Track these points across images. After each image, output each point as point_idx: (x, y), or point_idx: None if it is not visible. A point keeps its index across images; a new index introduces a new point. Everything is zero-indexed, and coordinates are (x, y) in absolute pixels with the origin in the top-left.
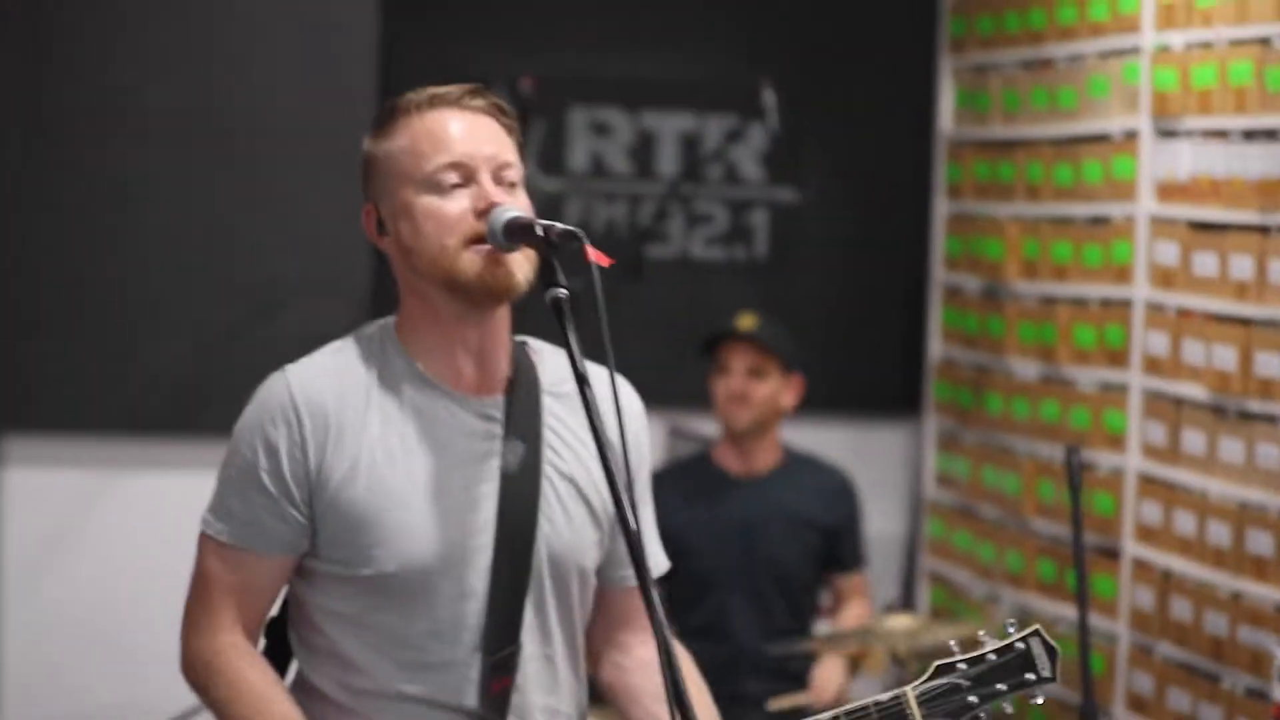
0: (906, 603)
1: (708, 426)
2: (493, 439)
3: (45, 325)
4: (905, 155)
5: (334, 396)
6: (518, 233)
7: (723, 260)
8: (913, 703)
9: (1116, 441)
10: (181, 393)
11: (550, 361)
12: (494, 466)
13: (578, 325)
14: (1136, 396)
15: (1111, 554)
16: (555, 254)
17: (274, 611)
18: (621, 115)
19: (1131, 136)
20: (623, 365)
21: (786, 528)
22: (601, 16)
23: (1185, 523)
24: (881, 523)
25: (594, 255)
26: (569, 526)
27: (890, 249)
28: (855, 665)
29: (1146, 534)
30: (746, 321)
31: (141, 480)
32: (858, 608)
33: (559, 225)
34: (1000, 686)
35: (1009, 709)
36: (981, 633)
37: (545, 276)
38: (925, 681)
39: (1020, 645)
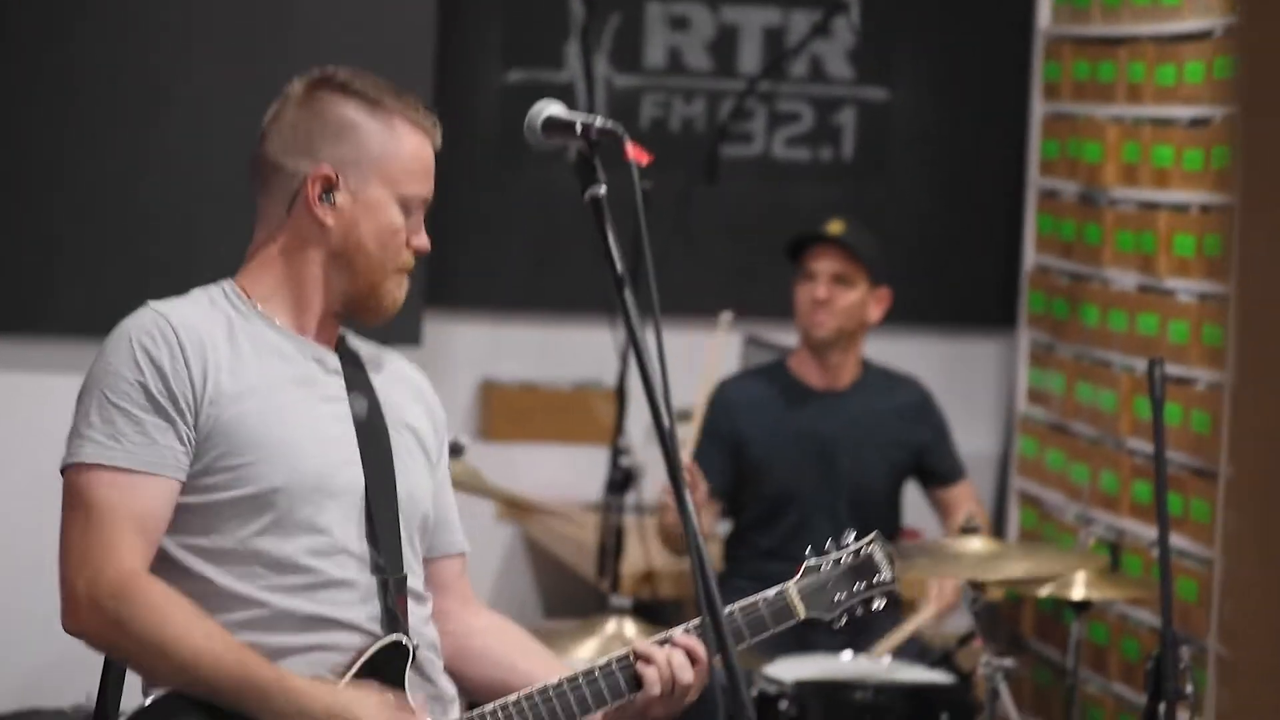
0: (1000, 520)
1: (785, 337)
2: (339, 388)
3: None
4: (1001, 53)
5: (206, 327)
6: (556, 130)
7: (806, 161)
8: (794, 598)
9: (1216, 355)
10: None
11: (355, 341)
12: (346, 411)
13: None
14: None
15: (1209, 475)
16: (595, 151)
17: None
18: (701, 8)
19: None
20: (696, 270)
21: (869, 445)
22: None
23: None
24: (972, 441)
25: (633, 152)
26: (418, 474)
27: (984, 152)
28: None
29: None
30: (835, 225)
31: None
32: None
33: (598, 122)
34: (857, 585)
35: (878, 607)
36: (829, 541)
37: (584, 174)
38: (799, 579)
39: (865, 551)
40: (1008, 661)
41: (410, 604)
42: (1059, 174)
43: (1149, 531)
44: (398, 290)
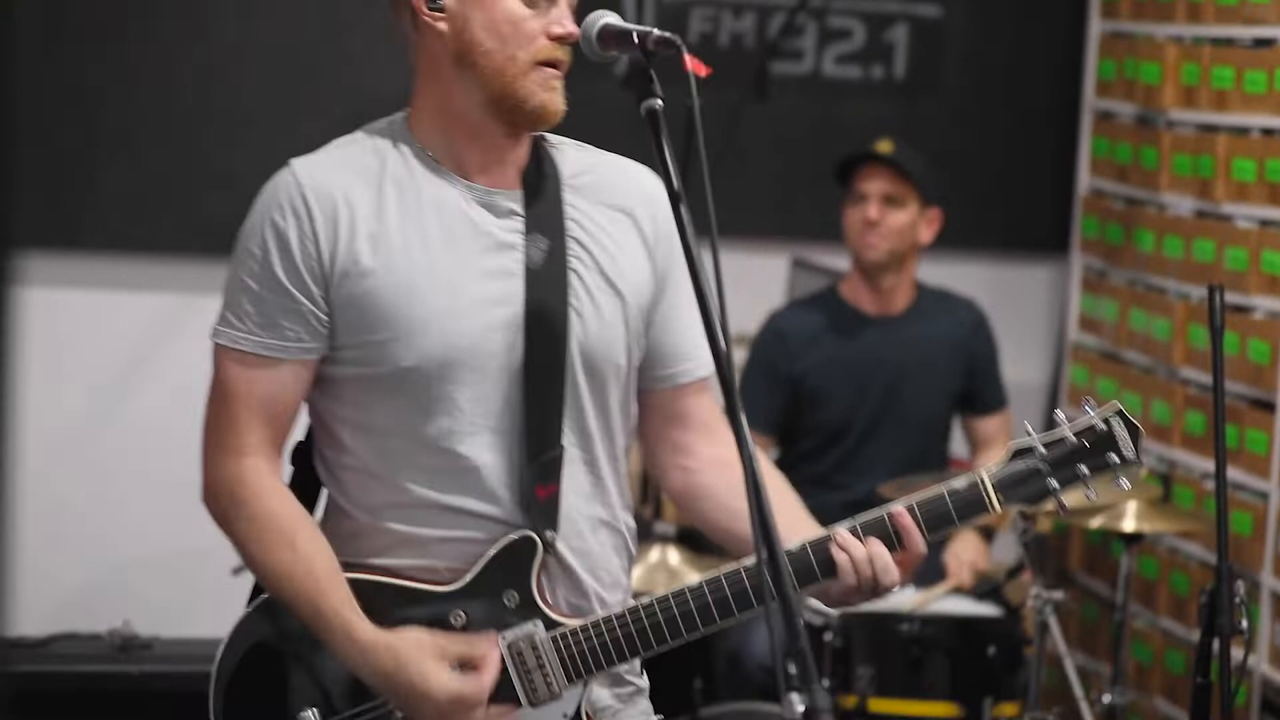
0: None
1: (834, 259)
2: (514, 233)
3: (117, 141)
4: None
5: (343, 186)
6: (613, 40)
7: (857, 79)
8: (989, 488)
9: (1275, 284)
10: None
11: (570, 154)
12: (517, 261)
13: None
14: None
15: (1266, 406)
16: (651, 62)
17: (300, 437)
18: None
19: None
20: (743, 189)
21: (926, 371)
22: None
23: None
24: (1022, 369)
25: (692, 64)
26: (600, 321)
27: (1039, 71)
28: (989, 535)
29: None
30: (885, 145)
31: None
32: (999, 451)
33: (655, 32)
34: (1081, 469)
35: (1092, 494)
36: (1058, 413)
37: (640, 86)
38: (1001, 466)
39: (1101, 426)
40: (1058, 594)
41: (569, 480)
42: (1115, 95)
43: (1201, 463)
44: (541, 90)
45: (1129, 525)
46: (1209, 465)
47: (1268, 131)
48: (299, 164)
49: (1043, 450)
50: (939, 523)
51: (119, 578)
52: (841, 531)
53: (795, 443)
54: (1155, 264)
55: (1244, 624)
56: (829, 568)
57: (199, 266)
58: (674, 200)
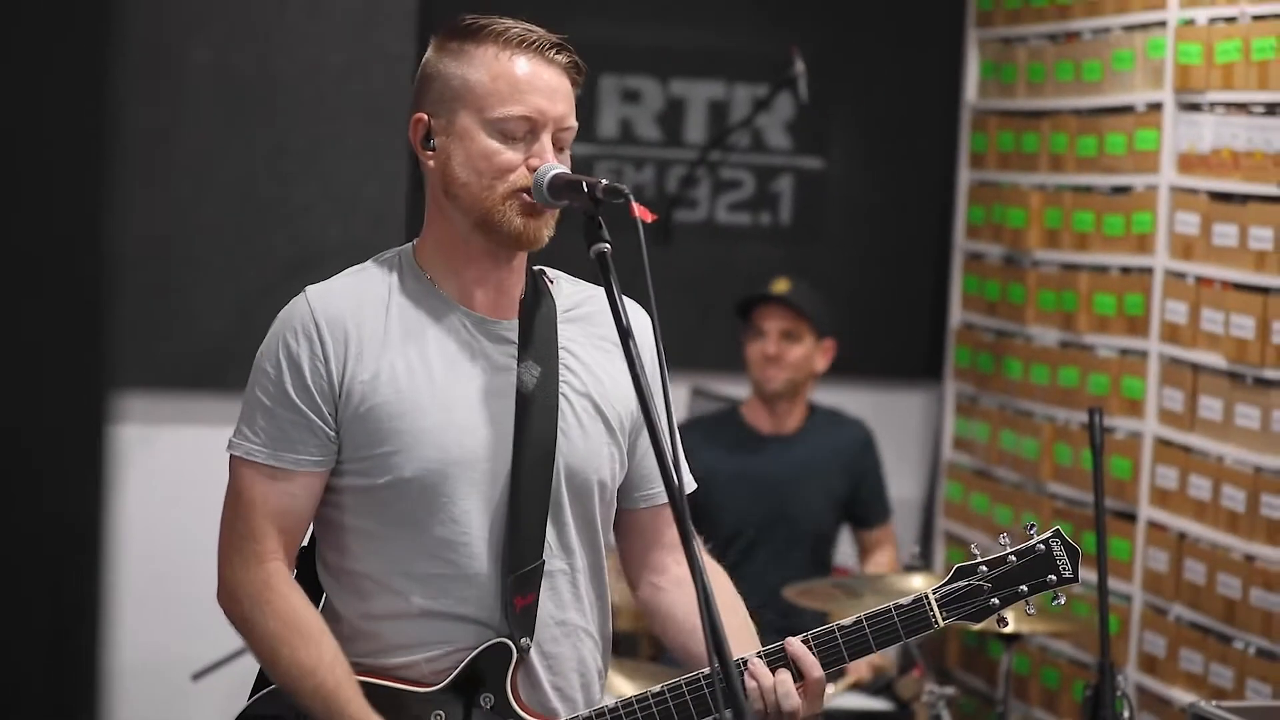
0: (927, 561)
1: (731, 388)
2: (509, 359)
3: None
4: (930, 125)
5: (353, 311)
6: (564, 189)
7: (748, 225)
8: (934, 605)
9: (1134, 407)
10: (222, 351)
11: (566, 288)
12: (510, 385)
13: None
14: (1155, 363)
15: (1128, 517)
16: (599, 209)
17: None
18: (652, 82)
19: (1155, 109)
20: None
21: (813, 484)
22: None
23: (1200, 487)
24: (901, 486)
25: (639, 211)
26: (586, 442)
27: (914, 217)
28: None
29: (1162, 498)
30: (781, 285)
31: (176, 434)
32: (884, 557)
33: (604, 181)
34: (1022, 588)
35: (1031, 610)
36: (1002, 537)
37: (590, 231)
38: (946, 584)
39: (1041, 547)
40: (950, 690)
41: (547, 590)
42: (984, 238)
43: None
44: (518, 216)
45: (1009, 627)
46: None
47: (1125, 270)
48: (313, 291)
49: (985, 569)
50: (886, 637)
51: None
52: (753, 660)
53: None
54: (1023, 390)
55: (1125, 715)
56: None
57: (150, 400)
58: (622, 335)
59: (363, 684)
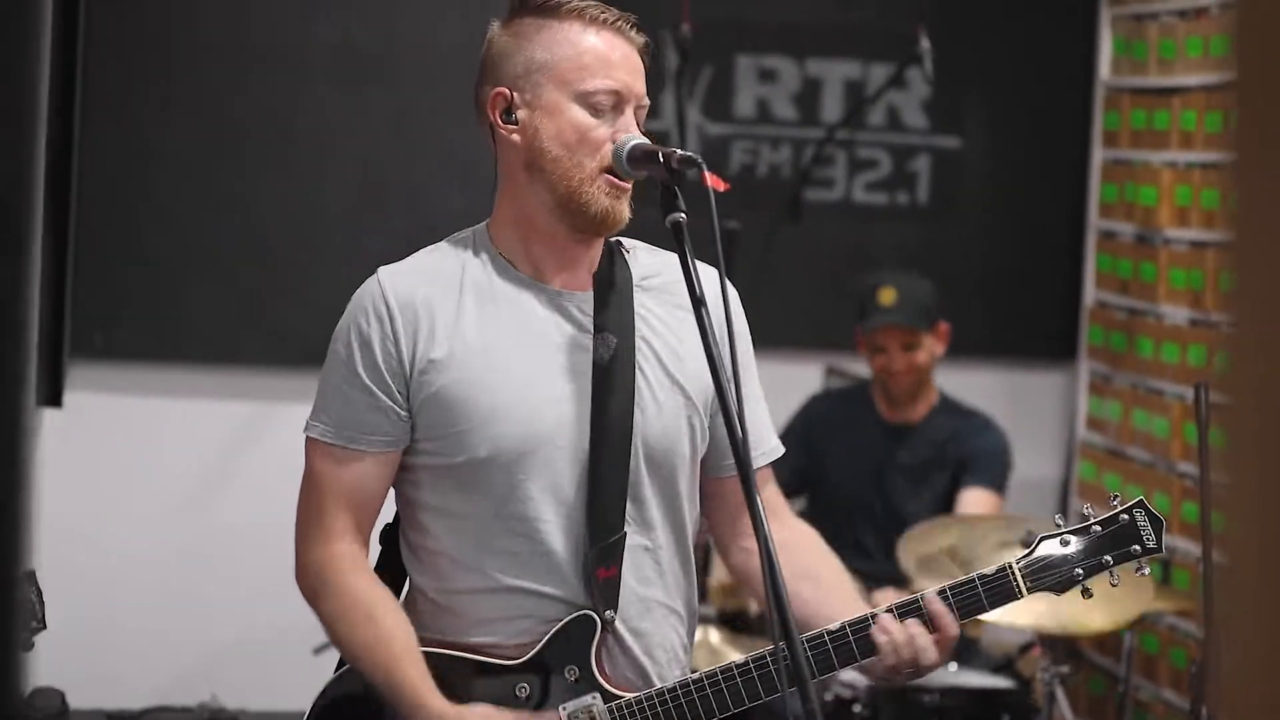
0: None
1: (863, 368)
2: (584, 332)
3: (208, 259)
4: (1064, 103)
5: (425, 291)
6: (641, 159)
7: (885, 205)
8: (1018, 574)
9: None
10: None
11: (642, 258)
12: (586, 359)
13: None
14: None
15: None
16: (676, 180)
17: (388, 519)
18: (788, 62)
19: None
20: (780, 305)
21: (922, 481)
22: None
23: None
24: (1036, 466)
25: (711, 180)
26: (663, 416)
27: (1048, 196)
28: None
29: None
30: (888, 295)
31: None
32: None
33: (679, 151)
34: (1106, 558)
35: (1115, 582)
36: (1086, 507)
37: (666, 201)
38: (1030, 554)
39: (1124, 517)
40: (1064, 668)
41: (630, 564)
42: (1117, 216)
43: (1197, 549)
44: (605, 197)
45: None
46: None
47: None
48: (384, 272)
49: (1070, 540)
50: (969, 608)
51: (209, 657)
52: (882, 615)
53: (809, 514)
54: (1154, 368)
55: None
56: (868, 648)
57: (278, 377)
58: (696, 304)
59: (445, 657)
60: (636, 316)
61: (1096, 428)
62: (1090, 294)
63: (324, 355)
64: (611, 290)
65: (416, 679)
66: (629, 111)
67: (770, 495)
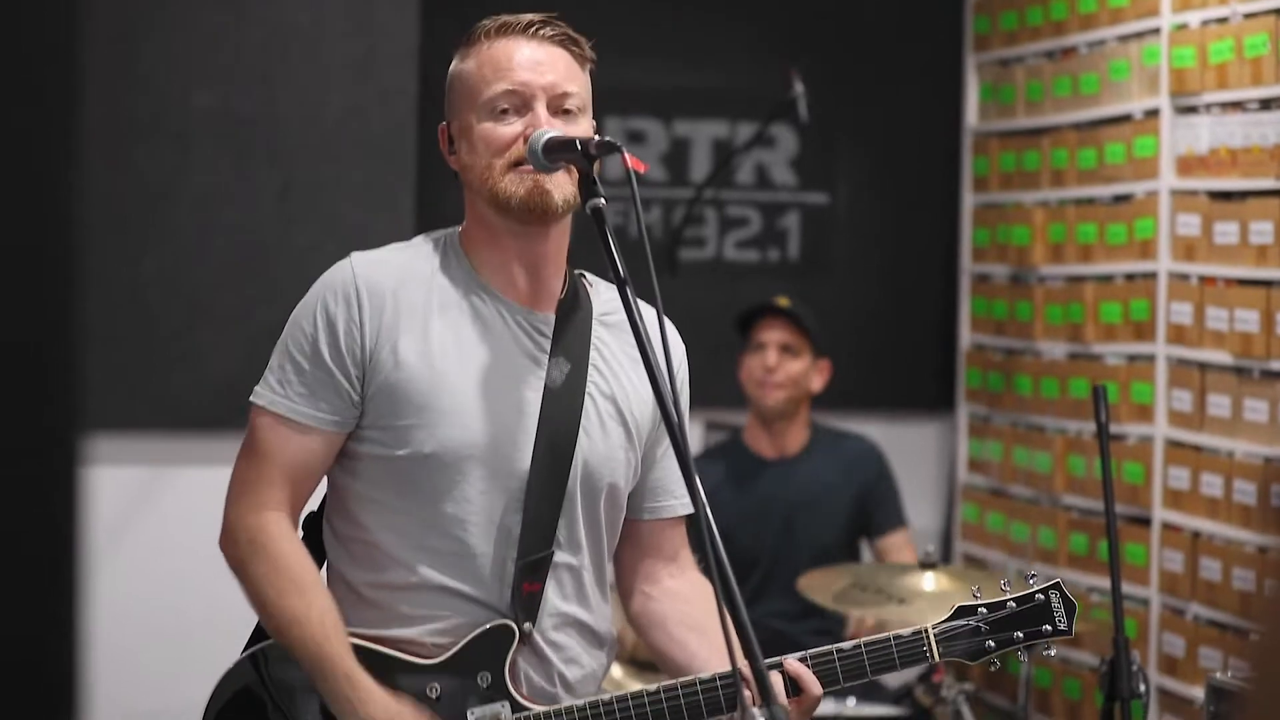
0: (945, 558)
1: (740, 419)
2: (541, 351)
3: (93, 328)
4: (933, 152)
5: (394, 283)
6: (556, 150)
7: (756, 262)
8: (932, 640)
9: (1144, 411)
10: (231, 393)
11: (605, 293)
12: (539, 377)
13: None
14: (1162, 366)
15: (1142, 522)
16: (593, 165)
17: (312, 508)
18: (655, 122)
19: (1152, 115)
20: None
21: (819, 504)
22: (632, 26)
23: (1212, 485)
24: (920, 514)
25: (631, 162)
26: (606, 443)
27: (920, 244)
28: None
29: (1175, 499)
30: (783, 300)
31: (192, 475)
32: (900, 560)
33: (596, 137)
34: (1017, 634)
35: (1023, 658)
36: (1004, 582)
37: (585, 188)
38: (945, 621)
39: (1040, 596)
40: (969, 685)
41: (554, 582)
42: (990, 259)
43: (1086, 579)
44: (518, 186)
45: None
46: (1094, 581)
47: (1130, 276)
48: (358, 257)
49: (984, 611)
50: (881, 665)
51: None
52: (747, 671)
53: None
54: (1034, 405)
55: (1142, 688)
56: (733, 702)
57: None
58: (620, 286)
59: (362, 649)
60: (592, 348)
61: (978, 469)
62: (966, 338)
63: (216, 422)
64: (572, 319)
65: (345, 653)
66: (539, 107)
67: (678, 543)
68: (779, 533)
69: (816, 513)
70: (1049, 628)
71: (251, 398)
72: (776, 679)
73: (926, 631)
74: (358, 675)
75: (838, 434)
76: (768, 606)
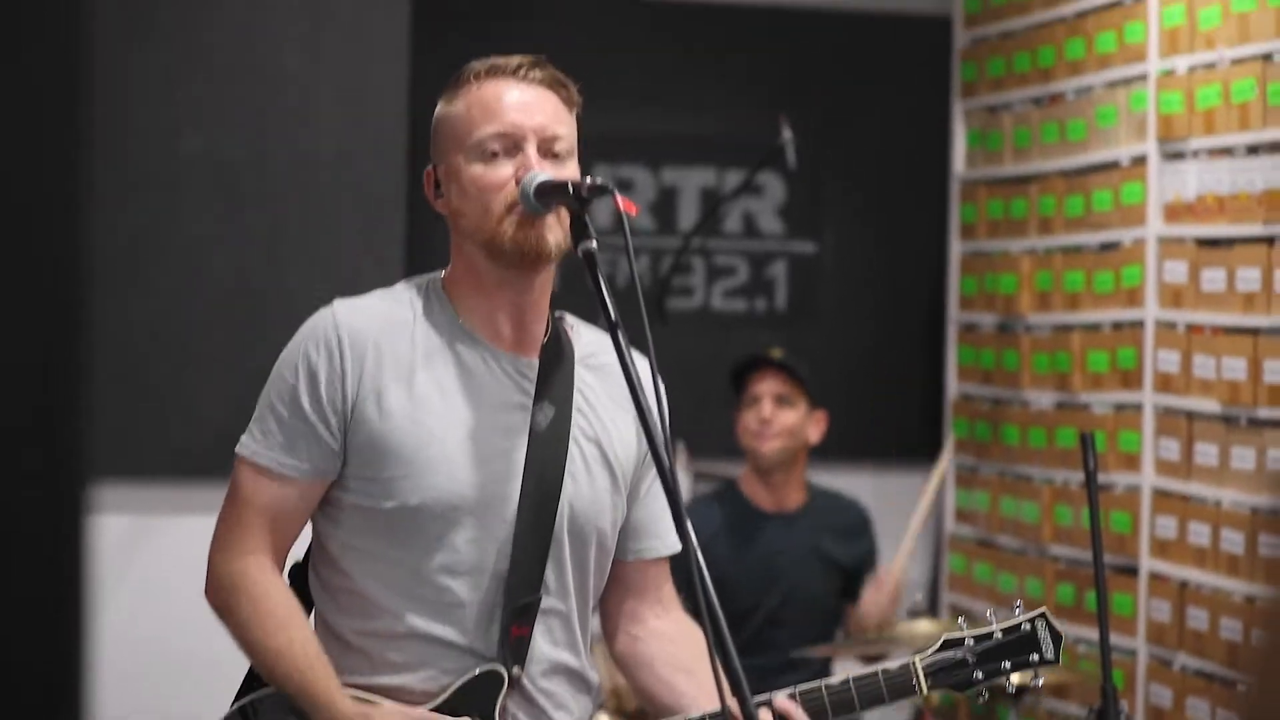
0: (931, 608)
1: (729, 470)
2: (525, 396)
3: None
4: (921, 200)
5: (376, 331)
6: (548, 193)
7: (744, 312)
8: (920, 672)
9: (1131, 461)
10: (223, 439)
11: (586, 335)
12: (524, 422)
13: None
14: (1150, 414)
15: (1129, 571)
16: (585, 209)
17: (298, 557)
18: (643, 171)
19: (1140, 162)
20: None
21: (816, 566)
22: (620, 73)
23: (1200, 534)
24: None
25: (623, 204)
26: (591, 488)
27: (908, 293)
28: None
29: (1162, 548)
30: (776, 352)
31: (181, 523)
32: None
33: (588, 180)
34: (1005, 664)
35: (1011, 689)
36: (990, 612)
37: (577, 231)
38: (933, 653)
39: (1026, 626)
40: None
41: (542, 627)
42: (977, 308)
43: (1072, 630)
44: (515, 229)
45: (1012, 681)
46: (1080, 631)
47: (1117, 325)
48: (340, 305)
49: (971, 643)
50: (870, 698)
51: None
52: (735, 711)
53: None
54: (1021, 454)
55: None
56: None
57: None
58: (612, 330)
59: (351, 696)
60: (576, 391)
61: (965, 519)
62: (953, 387)
63: (206, 469)
64: (556, 363)
65: (328, 682)
66: (529, 149)
67: (663, 584)
68: (777, 587)
69: (813, 573)
70: (1036, 656)
71: (237, 448)
72: (766, 717)
73: (914, 664)
74: (339, 703)
75: (832, 494)
76: (754, 661)
